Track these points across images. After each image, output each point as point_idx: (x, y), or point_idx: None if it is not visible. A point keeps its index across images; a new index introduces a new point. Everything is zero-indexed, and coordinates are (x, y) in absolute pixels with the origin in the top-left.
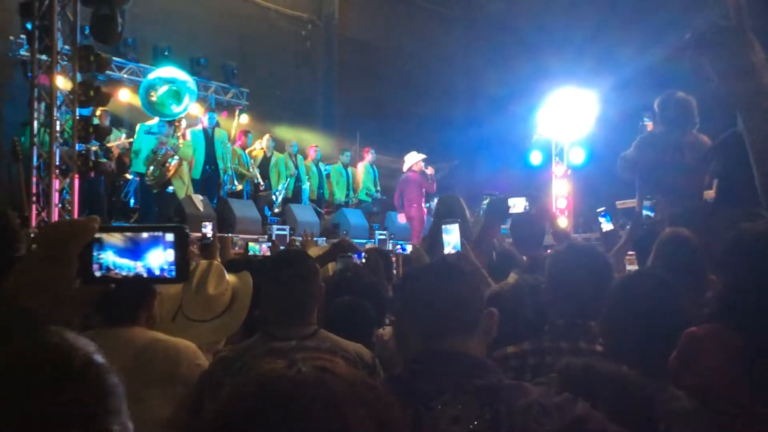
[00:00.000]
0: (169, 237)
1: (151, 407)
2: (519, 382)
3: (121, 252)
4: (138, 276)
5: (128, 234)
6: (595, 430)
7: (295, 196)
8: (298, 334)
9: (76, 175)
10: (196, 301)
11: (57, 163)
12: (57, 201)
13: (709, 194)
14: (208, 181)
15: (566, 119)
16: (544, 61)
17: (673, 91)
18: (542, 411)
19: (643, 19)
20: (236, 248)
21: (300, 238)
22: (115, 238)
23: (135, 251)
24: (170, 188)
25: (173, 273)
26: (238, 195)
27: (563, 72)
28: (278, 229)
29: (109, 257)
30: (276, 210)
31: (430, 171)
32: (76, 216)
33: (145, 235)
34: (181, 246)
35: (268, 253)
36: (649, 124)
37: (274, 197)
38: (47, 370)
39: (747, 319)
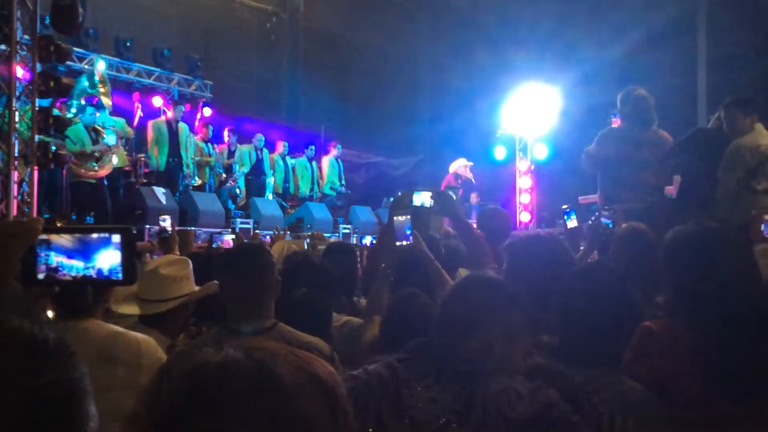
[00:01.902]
0: (116, 238)
1: (113, 399)
2: (499, 373)
3: (69, 253)
4: (86, 278)
5: (76, 234)
6: (560, 418)
7: (259, 189)
8: (256, 328)
9: (36, 167)
10: (148, 277)
11: (16, 155)
12: (16, 193)
13: (670, 190)
14: (172, 173)
15: (530, 115)
16: (508, 57)
17: (633, 87)
18: (516, 396)
19: (604, 15)
20: (199, 241)
21: (266, 233)
22: (64, 239)
23: (84, 252)
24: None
25: (119, 275)
26: (201, 188)
27: (527, 67)
28: (242, 223)
29: (57, 258)
30: (240, 203)
31: (466, 175)
32: (35, 208)
33: (94, 235)
34: (127, 247)
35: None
36: (615, 121)
37: (237, 191)
38: (25, 354)
39: (692, 316)
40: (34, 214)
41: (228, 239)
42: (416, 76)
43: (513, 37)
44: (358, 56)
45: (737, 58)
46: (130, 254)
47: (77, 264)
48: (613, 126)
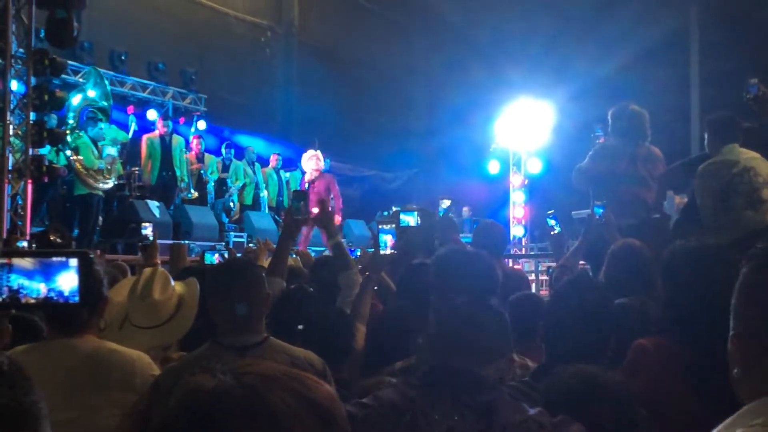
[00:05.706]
0: (73, 262)
1: (106, 417)
2: (519, 402)
3: (30, 274)
4: (48, 300)
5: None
6: None
7: (255, 203)
8: (247, 343)
9: (29, 181)
10: (142, 307)
11: (9, 168)
12: (9, 207)
13: (666, 205)
14: (165, 187)
15: (523, 129)
16: (501, 72)
17: (626, 102)
18: (538, 427)
19: (597, 32)
20: (193, 255)
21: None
22: (26, 261)
23: (45, 273)
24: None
25: (77, 298)
26: (195, 202)
27: (520, 83)
28: (236, 236)
29: (18, 280)
30: (233, 217)
31: (311, 177)
32: (29, 222)
33: (54, 258)
34: (84, 271)
35: None
36: (602, 138)
37: (231, 203)
38: None
39: (687, 332)
40: (28, 228)
41: (219, 257)
42: (410, 90)
43: (507, 53)
44: (353, 70)
45: (730, 74)
46: (87, 278)
47: (38, 286)
48: (603, 142)
